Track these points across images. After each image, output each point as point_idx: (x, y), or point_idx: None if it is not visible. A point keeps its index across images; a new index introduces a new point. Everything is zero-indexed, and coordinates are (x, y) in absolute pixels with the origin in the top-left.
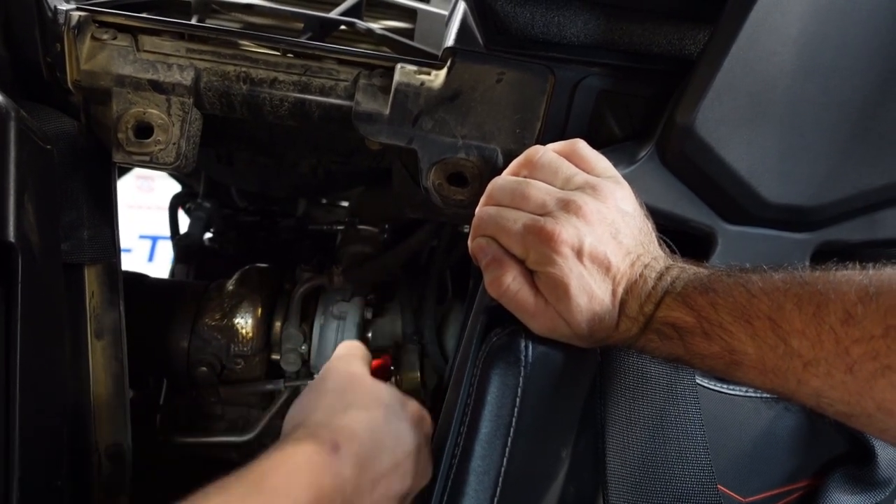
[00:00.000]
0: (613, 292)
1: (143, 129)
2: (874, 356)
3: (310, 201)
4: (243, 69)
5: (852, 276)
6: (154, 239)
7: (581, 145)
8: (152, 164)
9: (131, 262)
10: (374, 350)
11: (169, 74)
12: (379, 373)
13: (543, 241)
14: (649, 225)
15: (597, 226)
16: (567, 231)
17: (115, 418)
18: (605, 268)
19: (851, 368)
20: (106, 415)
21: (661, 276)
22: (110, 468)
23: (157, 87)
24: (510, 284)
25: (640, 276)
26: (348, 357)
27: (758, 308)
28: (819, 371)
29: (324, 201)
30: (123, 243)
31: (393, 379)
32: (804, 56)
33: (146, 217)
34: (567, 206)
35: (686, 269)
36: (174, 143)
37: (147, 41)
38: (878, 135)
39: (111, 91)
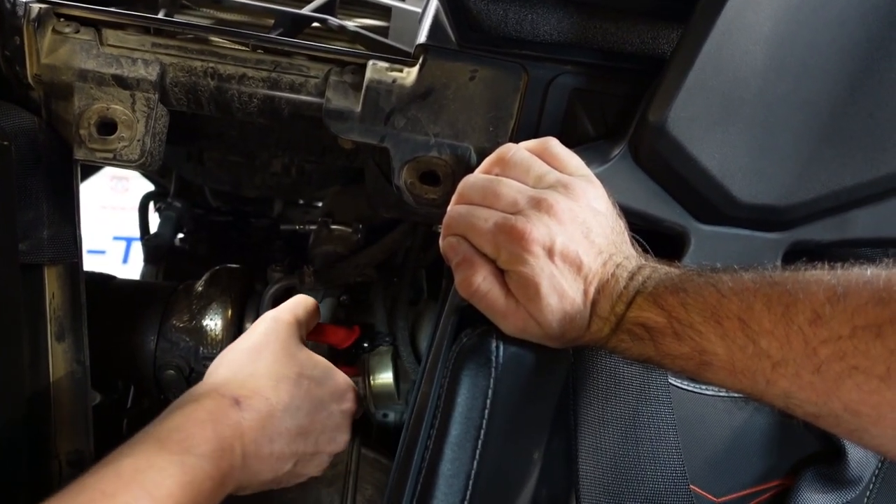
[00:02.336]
0: (585, 292)
1: (107, 126)
2: (841, 357)
3: (286, 202)
4: (211, 65)
5: (821, 276)
6: (128, 241)
7: (553, 143)
8: (116, 161)
9: (105, 264)
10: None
11: (133, 69)
12: (336, 338)
13: (514, 239)
14: (622, 224)
15: (569, 225)
16: (538, 230)
17: (76, 423)
18: (577, 267)
19: (819, 369)
20: (67, 420)
21: (632, 276)
22: (72, 475)
23: (121, 82)
24: (480, 284)
25: (612, 275)
26: (283, 316)
27: (728, 308)
28: (787, 372)
29: (301, 202)
30: (97, 245)
31: (363, 379)
32: (775, 55)
33: (120, 218)
34: (539, 205)
35: (658, 269)
36: (139, 140)
37: (111, 35)
38: (847, 135)
39: (73, 86)
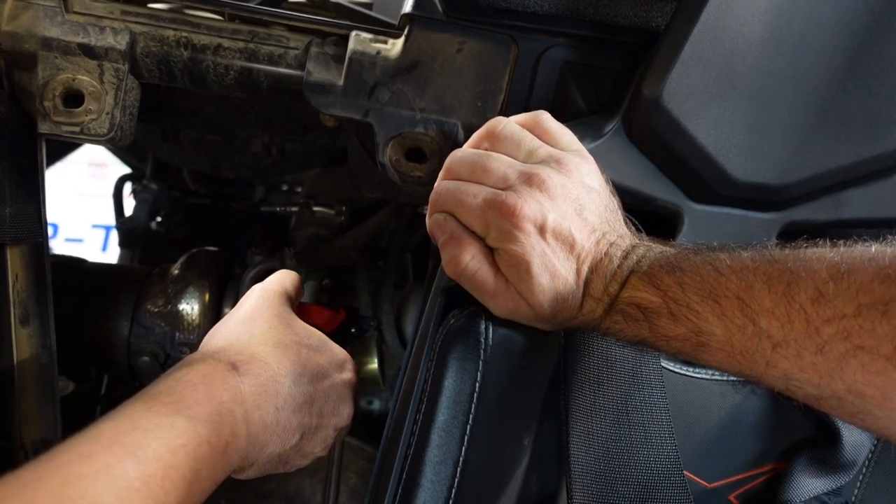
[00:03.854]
0: (577, 271)
1: (73, 98)
2: (845, 336)
3: (268, 186)
4: (184, 34)
5: (823, 253)
6: (108, 228)
7: (545, 117)
8: (83, 135)
9: (84, 252)
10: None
11: (101, 38)
12: (322, 319)
13: (504, 216)
14: (615, 202)
15: (561, 201)
16: (530, 206)
17: (42, 412)
18: (569, 246)
19: (822, 349)
20: (33, 408)
21: (626, 255)
22: None
23: (87, 51)
24: (469, 263)
25: (606, 254)
26: (272, 286)
27: (726, 287)
28: (788, 352)
29: (284, 188)
30: (75, 233)
31: None
32: (773, 28)
33: (99, 206)
34: (530, 180)
35: (652, 248)
36: (107, 113)
37: (77, 2)
38: (845, 111)
39: (37, 55)
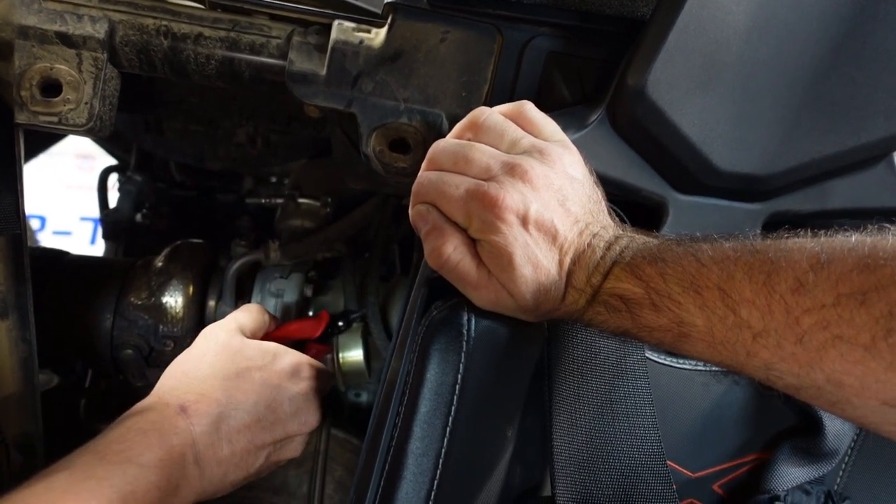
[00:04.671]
0: (560, 262)
1: (51, 87)
2: (825, 326)
3: (256, 177)
4: (164, 23)
5: (804, 243)
6: (96, 221)
7: (529, 107)
8: (62, 125)
9: (72, 245)
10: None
11: (79, 26)
12: (305, 332)
13: (487, 207)
14: (599, 192)
15: (543, 192)
16: (512, 196)
17: (23, 406)
18: (552, 236)
19: (801, 339)
20: (13, 402)
21: (609, 246)
22: (21, 460)
23: (65, 40)
24: (451, 254)
25: (589, 245)
26: (223, 322)
27: (707, 278)
28: (769, 342)
29: (273, 179)
30: (63, 226)
31: (332, 357)
32: (758, 17)
33: (87, 198)
34: (513, 171)
35: (635, 239)
36: (86, 103)
37: None
38: (829, 101)
39: (13, 44)
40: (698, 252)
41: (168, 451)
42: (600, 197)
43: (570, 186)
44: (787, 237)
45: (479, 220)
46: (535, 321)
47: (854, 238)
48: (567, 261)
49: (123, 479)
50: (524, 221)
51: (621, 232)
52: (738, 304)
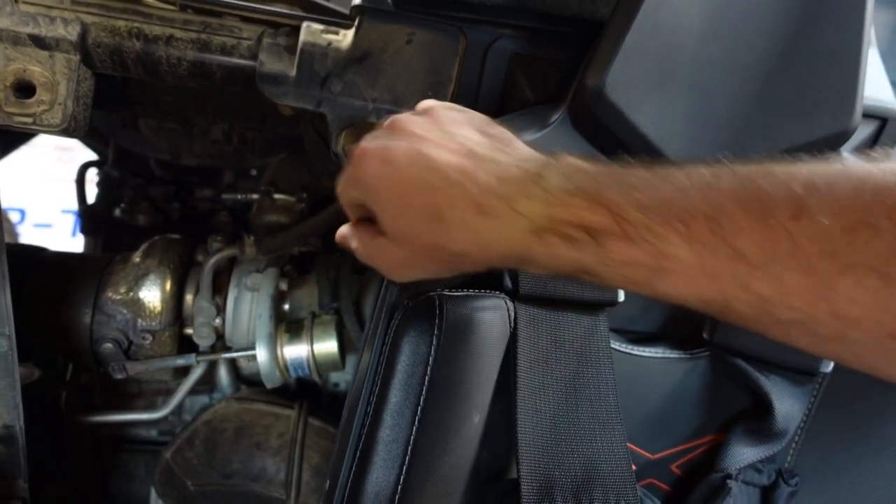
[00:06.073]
0: (474, 197)
1: (25, 89)
2: (833, 255)
3: (237, 173)
4: (136, 24)
5: (792, 169)
6: (77, 214)
7: (433, 103)
8: (36, 126)
9: (53, 238)
10: (290, 322)
11: (52, 29)
12: None
13: (354, 164)
14: (509, 135)
15: (429, 135)
16: (373, 142)
17: (4, 399)
18: (461, 172)
19: (807, 269)
20: None
21: (543, 175)
22: (2, 452)
23: (38, 42)
24: (360, 249)
25: (514, 177)
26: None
27: (691, 205)
28: (768, 273)
29: (254, 173)
30: (44, 219)
31: (307, 348)
32: (711, 19)
33: (68, 190)
34: (390, 127)
35: (580, 165)
36: (60, 104)
37: None
38: (780, 100)
39: None
40: (670, 176)
41: None
42: (512, 137)
43: (461, 128)
44: (771, 163)
45: (357, 192)
46: (472, 270)
47: (839, 164)
48: (488, 197)
49: None
50: (402, 159)
51: (555, 160)
52: (731, 233)
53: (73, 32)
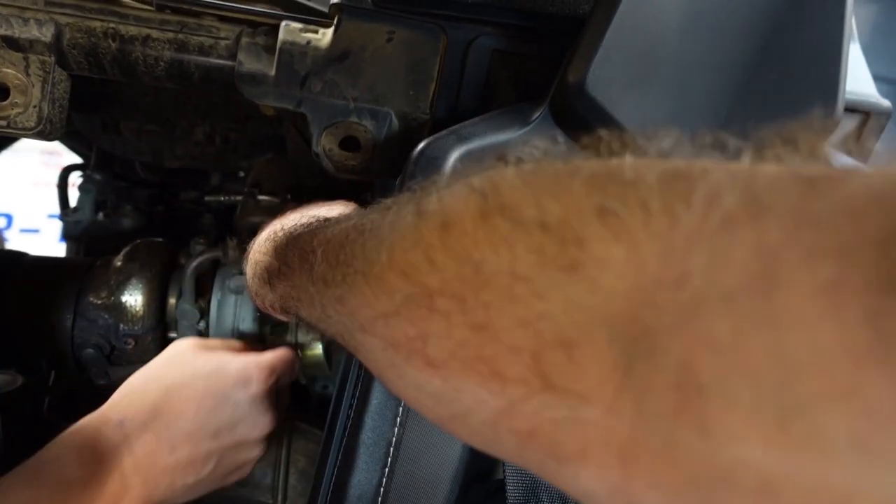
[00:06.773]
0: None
1: None
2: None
3: (224, 174)
4: (111, 25)
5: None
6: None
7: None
8: (10, 129)
9: (40, 243)
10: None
11: (25, 30)
12: None
13: None
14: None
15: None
16: None
17: None
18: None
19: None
20: None
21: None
22: None
23: (11, 43)
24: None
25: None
26: (170, 347)
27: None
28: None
29: (241, 174)
30: (31, 224)
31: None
32: (692, 14)
33: (54, 195)
34: None
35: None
36: (35, 106)
37: None
38: (761, 96)
39: None
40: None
41: (101, 465)
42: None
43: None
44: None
45: None
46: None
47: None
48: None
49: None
50: None
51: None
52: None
53: (47, 34)
